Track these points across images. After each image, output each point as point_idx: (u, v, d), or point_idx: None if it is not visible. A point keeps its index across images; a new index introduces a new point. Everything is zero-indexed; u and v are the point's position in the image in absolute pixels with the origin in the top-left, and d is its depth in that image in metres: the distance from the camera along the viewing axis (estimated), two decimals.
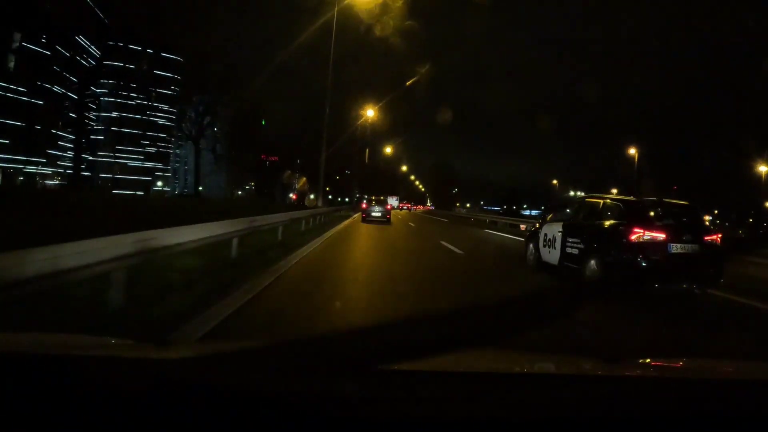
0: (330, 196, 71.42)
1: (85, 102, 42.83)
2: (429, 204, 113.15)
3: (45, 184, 70.85)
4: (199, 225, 6.55)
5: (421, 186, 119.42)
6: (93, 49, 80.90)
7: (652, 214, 6.89)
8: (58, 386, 1.01)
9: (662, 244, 6.45)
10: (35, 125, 66.50)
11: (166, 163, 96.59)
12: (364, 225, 22.10)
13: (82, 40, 78.85)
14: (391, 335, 1.08)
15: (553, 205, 18.80)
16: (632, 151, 44.80)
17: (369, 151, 59.13)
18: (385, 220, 24.49)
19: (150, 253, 4.64)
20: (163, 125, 67.10)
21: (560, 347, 3.93)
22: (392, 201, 55.17)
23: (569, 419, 1.00)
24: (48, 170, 75.03)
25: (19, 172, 70.00)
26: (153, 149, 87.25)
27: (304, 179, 37.30)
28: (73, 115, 79.93)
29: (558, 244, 8.10)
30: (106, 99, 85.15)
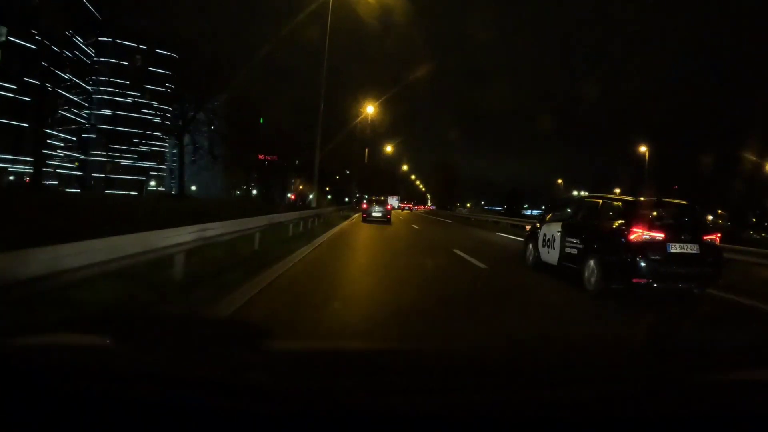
0: (329, 196, 71.58)
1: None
2: (429, 204, 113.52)
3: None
4: (131, 236, 4.81)
5: (421, 186, 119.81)
6: (83, 44, 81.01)
7: (651, 213, 7.01)
8: (57, 385, 1.04)
9: (661, 244, 6.57)
10: (23, 123, 66.25)
11: (161, 162, 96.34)
12: (363, 229, 19.75)
13: (74, 37, 78.94)
14: None
15: (554, 204, 18.44)
16: (642, 149, 44.17)
17: (369, 151, 59.26)
18: (386, 220, 25.14)
19: None
20: (157, 123, 67.18)
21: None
22: (393, 201, 55.56)
23: (569, 419, 1.02)
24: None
25: (3, 171, 69.58)
26: (147, 148, 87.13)
27: (298, 181, 37.45)
28: (64, 113, 79.99)
29: (557, 244, 8.26)
30: (98, 96, 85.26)
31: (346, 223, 23.96)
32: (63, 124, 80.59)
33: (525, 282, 8.21)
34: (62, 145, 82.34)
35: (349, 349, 2.28)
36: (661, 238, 6.60)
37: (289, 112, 44.93)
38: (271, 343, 2.62)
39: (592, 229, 7.63)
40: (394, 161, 78.71)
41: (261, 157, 47.32)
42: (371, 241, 15.30)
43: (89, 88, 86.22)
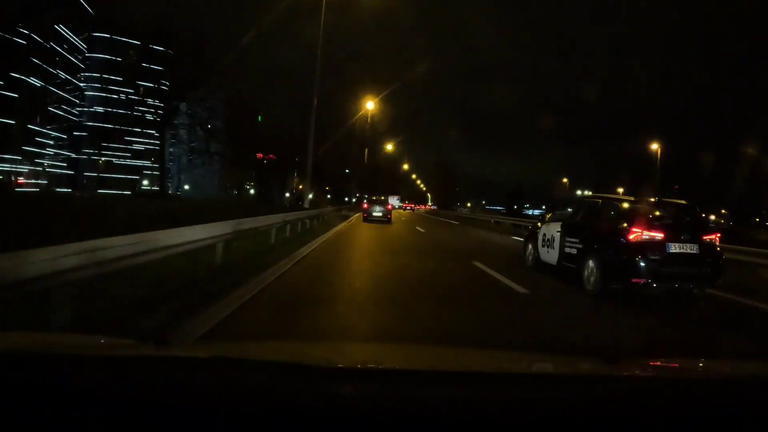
0: (329, 196, 71.80)
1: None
2: (430, 204, 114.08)
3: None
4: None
5: (422, 185, 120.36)
6: (75, 39, 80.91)
7: (650, 213, 7.15)
8: (58, 386, 1.07)
9: (661, 244, 6.70)
10: (9, 119, 65.88)
11: (155, 161, 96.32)
12: (362, 234, 17.81)
13: (65, 31, 78.99)
14: None
15: (556, 204, 18.33)
16: (654, 146, 43.01)
17: (370, 150, 59.57)
18: (386, 219, 26.12)
19: None
20: (151, 121, 67.21)
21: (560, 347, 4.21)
22: (393, 201, 56.25)
23: (569, 419, 1.05)
24: (24, 168, 74.40)
25: None
26: (141, 146, 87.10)
27: (296, 180, 37.58)
28: (54, 110, 79.89)
29: (557, 244, 8.42)
30: (91, 93, 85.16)
31: (343, 225, 22.06)
32: (54, 121, 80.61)
33: (578, 313, 6.29)
34: (52, 143, 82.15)
35: (348, 349, 2.39)
36: (660, 238, 6.73)
37: (289, 110, 45.14)
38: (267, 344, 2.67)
39: (591, 229, 7.78)
40: (395, 160, 79.03)
41: (260, 156, 47.34)
42: (370, 251, 12.03)
43: (81, 84, 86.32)
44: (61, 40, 79.70)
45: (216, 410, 1.01)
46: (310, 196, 25.10)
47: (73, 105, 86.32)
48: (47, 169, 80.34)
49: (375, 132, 54.79)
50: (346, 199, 63.81)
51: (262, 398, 1.04)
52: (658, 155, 43.22)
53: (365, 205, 29.21)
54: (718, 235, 7.24)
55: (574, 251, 7.87)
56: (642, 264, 6.59)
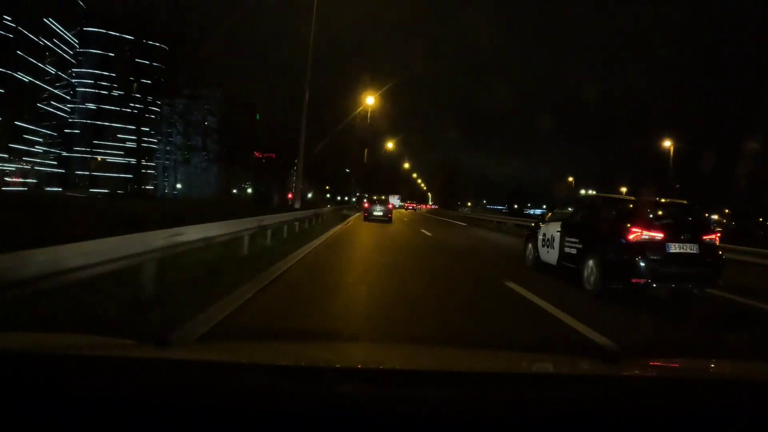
0: (328, 195, 72.10)
1: None
2: (430, 203, 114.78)
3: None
4: None
5: (423, 184, 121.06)
6: (66, 34, 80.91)
7: (650, 213, 7.32)
8: (58, 386, 1.09)
9: (660, 244, 6.85)
10: None
11: (150, 160, 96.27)
12: (358, 244, 14.99)
13: (55, 25, 79.03)
14: None
15: (555, 204, 17.82)
16: (667, 143, 41.49)
17: (370, 149, 59.91)
18: (387, 219, 27.51)
19: None
20: (146, 118, 67.27)
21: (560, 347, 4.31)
22: (394, 200, 57.08)
23: (569, 419, 1.07)
24: (11, 167, 74.23)
25: None
26: (134, 145, 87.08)
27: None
28: (44, 107, 79.89)
29: (557, 244, 8.60)
30: (83, 90, 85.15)
31: (338, 228, 19.47)
32: (43, 118, 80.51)
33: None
34: (41, 140, 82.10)
35: (348, 349, 2.49)
36: (660, 238, 6.88)
37: (289, 109, 45.25)
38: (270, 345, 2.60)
39: (591, 229, 7.97)
40: (395, 159, 79.31)
41: (258, 154, 47.49)
42: (369, 268, 9.48)
43: (72, 80, 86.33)
44: (51, 34, 79.75)
45: (216, 411, 1.04)
46: (309, 195, 24.94)
47: (64, 101, 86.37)
48: (36, 168, 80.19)
49: (375, 131, 55.10)
50: (346, 198, 64.13)
51: (262, 399, 1.08)
52: (671, 153, 42.10)
53: (366, 205, 30.39)
54: (718, 234, 7.40)
55: (574, 251, 8.05)
56: (642, 264, 6.73)
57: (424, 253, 12.78)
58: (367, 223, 25.76)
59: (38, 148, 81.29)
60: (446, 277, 8.86)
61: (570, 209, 9.07)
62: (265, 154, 50.31)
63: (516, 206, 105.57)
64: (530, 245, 9.99)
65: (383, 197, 33.92)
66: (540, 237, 9.40)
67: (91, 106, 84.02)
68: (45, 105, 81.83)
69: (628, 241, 6.95)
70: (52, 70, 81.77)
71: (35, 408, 1.04)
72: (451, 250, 14.06)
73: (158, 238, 5.50)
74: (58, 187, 73.56)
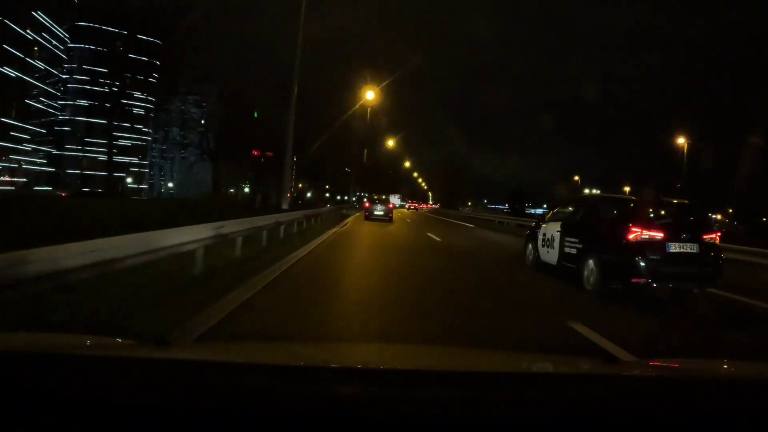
0: (328, 195, 72.43)
1: None
2: (431, 202, 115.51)
3: None
4: None
5: (423, 183, 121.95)
6: (56, 28, 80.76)
7: (650, 213, 7.49)
8: (58, 386, 1.12)
9: (660, 244, 7.00)
10: None
11: (143, 158, 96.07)
12: (353, 253, 12.23)
13: (45, 19, 78.96)
14: None
15: (556, 203, 17.46)
16: (680, 140, 40.39)
17: (370, 148, 60.25)
18: (387, 218, 28.42)
19: None
20: (139, 116, 67.14)
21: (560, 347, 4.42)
22: (394, 199, 57.92)
23: (569, 419, 1.10)
24: None
25: None
26: (128, 142, 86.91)
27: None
28: (33, 103, 79.66)
29: (556, 244, 8.79)
30: (74, 86, 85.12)
31: (330, 234, 16.43)
32: (33, 115, 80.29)
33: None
34: (29, 138, 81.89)
35: (348, 349, 2.52)
36: (660, 238, 7.03)
37: (288, 107, 45.35)
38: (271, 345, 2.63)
39: (591, 229, 8.15)
40: (396, 158, 79.66)
41: (256, 153, 47.59)
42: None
43: (63, 76, 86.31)
44: (40, 28, 79.67)
45: (216, 411, 1.06)
46: (309, 194, 24.65)
47: (54, 98, 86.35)
48: (24, 167, 79.96)
49: (375, 130, 55.54)
50: (346, 197, 64.39)
51: (262, 399, 1.11)
52: (685, 150, 40.44)
53: (367, 204, 31.36)
54: (719, 234, 7.57)
55: (573, 251, 8.22)
56: (642, 264, 6.87)
57: (435, 264, 10.19)
58: (366, 226, 23.40)
59: (26, 146, 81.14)
60: (472, 303, 6.64)
61: (570, 209, 9.24)
62: (264, 153, 50.40)
63: (515, 206, 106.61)
64: (530, 245, 10.17)
65: (383, 197, 34.76)
66: (540, 237, 9.59)
67: (83, 102, 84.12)
68: (34, 101, 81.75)
69: (628, 240, 7.08)
70: (41, 65, 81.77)
71: (35, 408, 1.07)
72: (464, 258, 11.89)
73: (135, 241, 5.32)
74: (48, 186, 73.51)
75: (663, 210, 7.68)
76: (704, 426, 1.13)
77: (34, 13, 76.81)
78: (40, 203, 25.72)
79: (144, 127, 79.66)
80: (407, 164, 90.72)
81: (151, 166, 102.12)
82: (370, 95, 34.35)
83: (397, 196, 77.00)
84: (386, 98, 41.76)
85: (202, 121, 44.88)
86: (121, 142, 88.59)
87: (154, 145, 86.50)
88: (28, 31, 75.23)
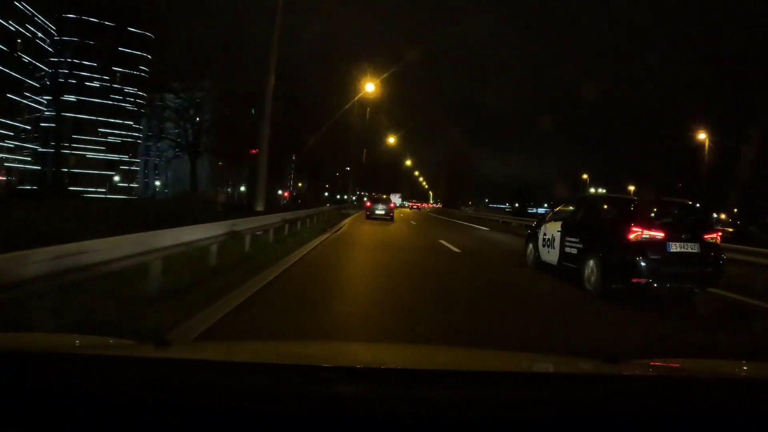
0: (327, 194, 72.74)
1: None
2: (432, 202, 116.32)
3: None
4: None
5: (424, 183, 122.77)
6: (41, 20, 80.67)
7: (650, 212, 7.74)
8: (58, 385, 1.15)
9: (661, 243, 7.23)
10: None
11: (134, 156, 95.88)
12: (343, 283, 8.00)
13: (29, 9, 78.97)
14: None
15: (557, 203, 17.13)
16: (701, 136, 38.31)
17: (370, 147, 60.73)
18: (389, 218, 29.16)
19: None
20: (129, 110, 67.20)
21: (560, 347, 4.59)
22: (395, 199, 59.09)
23: (569, 419, 1.13)
24: None
25: None
26: (117, 139, 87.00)
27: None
28: (16, 98, 79.50)
29: (557, 244, 9.08)
30: (61, 80, 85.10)
31: (310, 249, 11.83)
32: (15, 110, 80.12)
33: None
34: (12, 134, 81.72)
35: (348, 349, 2.57)
36: (661, 238, 7.26)
37: (289, 107, 45.71)
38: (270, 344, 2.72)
39: (591, 229, 8.44)
40: (396, 157, 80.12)
41: (253, 151, 47.92)
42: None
43: (50, 70, 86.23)
44: (24, 19, 79.55)
45: (216, 411, 1.09)
46: (304, 194, 23.74)
47: (39, 93, 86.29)
48: (6, 165, 79.73)
49: (375, 127, 55.97)
50: (345, 197, 64.71)
51: (262, 398, 1.13)
52: (706, 147, 38.42)
53: (368, 204, 32.15)
54: (719, 234, 7.82)
55: (574, 251, 8.49)
56: (642, 264, 7.09)
57: (465, 291, 7.91)
58: (365, 230, 20.88)
59: (9, 143, 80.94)
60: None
61: (570, 209, 9.51)
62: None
63: (517, 205, 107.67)
64: (531, 245, 10.45)
65: (385, 196, 35.93)
66: (540, 237, 9.86)
67: (70, 98, 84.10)
68: (17, 96, 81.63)
69: (628, 240, 7.30)
70: (25, 58, 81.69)
71: (35, 408, 1.11)
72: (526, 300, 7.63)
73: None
74: (32, 185, 73.18)
75: (663, 210, 7.92)
76: (704, 426, 1.17)
77: (17, 3, 76.84)
78: None
79: (135, 123, 79.79)
80: (408, 163, 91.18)
81: (145, 164, 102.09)
82: (370, 87, 34.83)
83: (397, 195, 77.85)
84: (386, 97, 42.24)
85: (190, 112, 44.75)
86: (110, 139, 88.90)
87: (148, 143, 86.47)
88: (10, 22, 75.20)
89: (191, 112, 45.25)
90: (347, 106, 38.82)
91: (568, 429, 1.13)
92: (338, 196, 72.18)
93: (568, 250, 8.72)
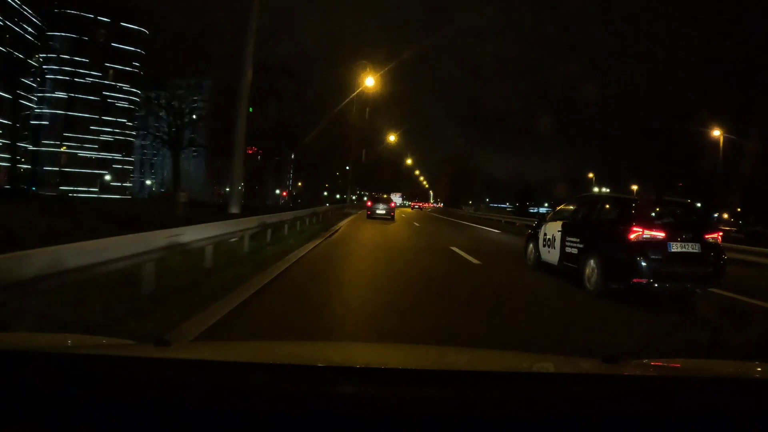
0: (326, 193, 73.00)
1: None
2: (432, 201, 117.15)
3: None
4: None
5: (425, 182, 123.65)
6: (31, 14, 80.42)
7: (651, 212, 7.93)
8: (58, 386, 1.17)
9: (662, 243, 7.39)
10: None
11: (128, 154, 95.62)
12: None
13: (17, 3, 78.84)
14: None
15: (558, 202, 16.85)
16: (716, 133, 37.24)
17: (370, 145, 61.07)
18: (390, 217, 30.05)
19: None
20: (122, 108, 67.26)
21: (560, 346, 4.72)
22: (396, 198, 60.10)
23: (569, 419, 1.15)
24: None
25: None
26: (110, 137, 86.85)
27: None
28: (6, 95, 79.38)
29: (557, 244, 9.27)
30: (53, 77, 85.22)
31: (284, 268, 8.83)
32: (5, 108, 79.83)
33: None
34: (1, 131, 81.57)
35: (348, 349, 2.63)
36: (661, 238, 7.42)
37: (289, 106, 46.11)
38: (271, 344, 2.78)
39: (592, 229, 8.63)
40: (397, 156, 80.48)
41: (251, 150, 48.11)
42: None
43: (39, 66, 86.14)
44: (12, 13, 79.40)
45: (216, 411, 1.12)
46: (297, 194, 23.24)
47: (30, 90, 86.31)
48: None
49: (374, 127, 56.37)
50: (344, 196, 64.97)
51: (262, 398, 1.16)
52: (720, 144, 37.17)
53: (369, 203, 32.95)
54: (720, 233, 8.01)
55: (575, 251, 8.68)
56: (643, 264, 7.23)
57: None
58: (362, 235, 18.70)
59: None
60: None
61: (571, 208, 9.66)
62: (260, 150, 50.88)
63: (518, 204, 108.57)
64: (531, 245, 10.65)
65: (385, 196, 37.08)
66: (541, 237, 10.06)
67: (61, 95, 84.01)
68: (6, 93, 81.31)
69: (629, 240, 7.44)
70: (16, 54, 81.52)
71: (35, 408, 1.13)
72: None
73: None
74: (22, 185, 72.97)
75: (664, 209, 8.11)
76: (704, 426, 1.19)
77: None
78: None
79: (128, 121, 79.82)
80: (409, 161, 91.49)
81: (141, 163, 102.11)
82: (369, 81, 35.20)
83: (398, 194, 78.51)
84: (386, 96, 42.49)
85: (173, 104, 44.55)
86: (103, 137, 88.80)
87: (145, 142, 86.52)
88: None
89: (174, 104, 45.02)
90: (346, 100, 39.12)
91: (568, 429, 1.15)
92: (338, 196, 72.47)
93: (568, 249, 8.90)
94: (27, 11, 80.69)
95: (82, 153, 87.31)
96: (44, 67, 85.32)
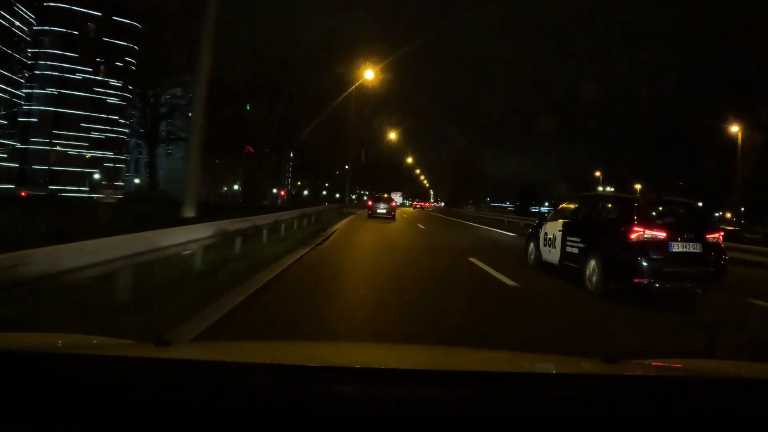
0: (325, 192, 73.19)
1: None
2: (432, 201, 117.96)
3: None
4: None
5: (426, 181, 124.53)
6: (20, 8, 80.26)
7: (652, 212, 8.08)
8: (58, 386, 1.20)
9: (663, 243, 7.54)
10: None
11: (119, 153, 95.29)
12: None
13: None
14: None
15: (559, 202, 16.74)
16: (734, 129, 35.49)
17: (369, 144, 61.37)
18: (390, 216, 30.85)
19: None
20: (115, 105, 67.01)
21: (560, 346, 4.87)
22: (397, 198, 60.67)
23: (569, 419, 1.17)
24: None
25: None
26: (101, 135, 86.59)
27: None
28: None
29: (558, 243, 9.45)
30: (42, 72, 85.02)
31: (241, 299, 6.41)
32: None
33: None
34: None
35: (348, 349, 2.68)
36: (662, 237, 7.57)
37: (288, 105, 46.21)
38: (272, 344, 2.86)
39: (593, 228, 8.80)
40: (397, 155, 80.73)
41: (250, 150, 48.23)
42: None
43: (29, 62, 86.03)
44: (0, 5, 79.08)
45: (216, 410, 1.14)
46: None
47: (18, 86, 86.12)
48: None
49: (374, 126, 56.67)
50: (343, 196, 65.20)
51: (262, 399, 1.18)
52: (739, 140, 35.47)
53: (370, 203, 33.83)
54: (722, 233, 8.18)
55: (575, 251, 8.85)
56: (644, 264, 7.36)
57: None
58: (359, 249, 14.09)
59: None
60: None
61: (572, 208, 9.82)
62: (259, 148, 50.93)
63: (518, 204, 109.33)
64: (532, 245, 10.81)
65: (386, 195, 37.34)
66: (542, 236, 10.23)
67: (52, 90, 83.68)
68: None
69: (630, 240, 7.58)
70: (3, 49, 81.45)
71: (35, 408, 1.14)
72: None
73: None
74: (10, 184, 72.72)
75: (665, 209, 8.28)
76: (705, 426, 1.21)
77: None
78: None
79: (120, 118, 79.67)
80: (409, 160, 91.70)
81: (136, 162, 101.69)
82: (369, 74, 35.45)
83: (399, 194, 78.95)
84: (385, 95, 42.69)
85: (149, 95, 44.09)
86: (94, 135, 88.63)
87: (140, 140, 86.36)
88: None
89: (150, 95, 44.71)
90: (344, 94, 39.29)
91: (568, 429, 1.17)
92: (337, 195, 72.61)
93: (569, 249, 9.06)
94: (16, 4, 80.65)
95: (72, 151, 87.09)
96: (33, 62, 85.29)
